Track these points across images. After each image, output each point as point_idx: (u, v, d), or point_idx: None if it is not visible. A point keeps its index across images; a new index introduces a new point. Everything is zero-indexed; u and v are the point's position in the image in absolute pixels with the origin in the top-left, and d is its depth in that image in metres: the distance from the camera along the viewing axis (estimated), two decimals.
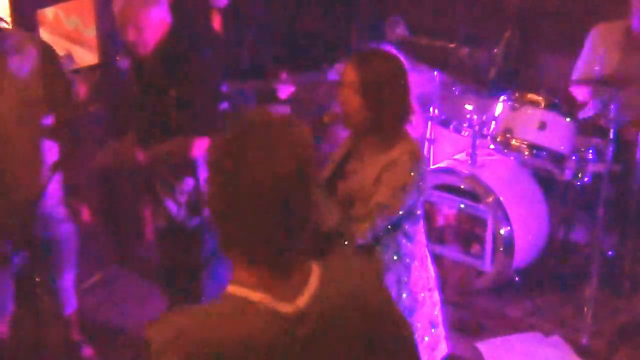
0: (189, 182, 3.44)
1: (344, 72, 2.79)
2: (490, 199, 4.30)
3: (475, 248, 4.38)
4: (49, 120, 3.30)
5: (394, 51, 2.85)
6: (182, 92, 3.31)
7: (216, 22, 4.20)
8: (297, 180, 1.52)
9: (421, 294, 2.88)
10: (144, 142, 3.45)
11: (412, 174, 2.69)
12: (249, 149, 1.50)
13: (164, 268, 3.79)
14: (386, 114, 2.72)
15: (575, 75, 4.67)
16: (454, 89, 4.72)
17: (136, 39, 3.30)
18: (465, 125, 4.54)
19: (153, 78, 3.41)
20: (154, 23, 3.29)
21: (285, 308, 1.53)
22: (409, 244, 2.81)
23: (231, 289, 1.56)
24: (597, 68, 4.20)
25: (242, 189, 1.50)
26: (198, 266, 3.52)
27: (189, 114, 3.34)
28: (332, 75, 3.90)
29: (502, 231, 4.29)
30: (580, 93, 4.71)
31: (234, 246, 1.57)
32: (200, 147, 3.36)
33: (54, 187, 3.44)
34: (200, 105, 3.38)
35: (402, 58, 2.84)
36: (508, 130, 4.27)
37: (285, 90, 4.12)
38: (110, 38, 4.20)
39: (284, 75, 4.10)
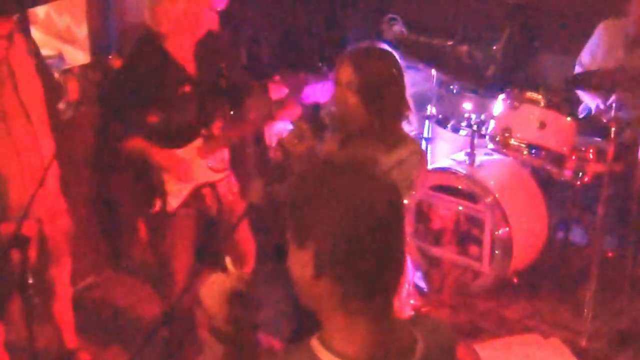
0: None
1: (339, 72, 2.73)
2: (489, 200, 4.25)
3: (473, 249, 4.33)
4: None
5: (387, 47, 2.79)
6: (233, 71, 3.44)
7: (214, 24, 4.18)
8: (397, 213, 1.40)
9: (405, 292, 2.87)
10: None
11: (418, 173, 2.69)
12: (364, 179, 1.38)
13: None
14: (386, 113, 2.68)
15: (578, 70, 4.61)
16: (452, 87, 4.69)
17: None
18: (463, 124, 4.50)
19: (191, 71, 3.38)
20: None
21: None
22: None
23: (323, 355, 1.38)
24: (600, 64, 4.15)
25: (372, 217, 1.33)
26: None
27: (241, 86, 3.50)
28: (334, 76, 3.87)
29: (500, 232, 4.24)
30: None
31: (351, 296, 1.37)
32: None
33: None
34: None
35: (395, 54, 2.79)
36: (507, 130, 4.22)
37: (277, 92, 4.09)
38: (102, 37, 4.17)
39: (276, 79, 4.08)
